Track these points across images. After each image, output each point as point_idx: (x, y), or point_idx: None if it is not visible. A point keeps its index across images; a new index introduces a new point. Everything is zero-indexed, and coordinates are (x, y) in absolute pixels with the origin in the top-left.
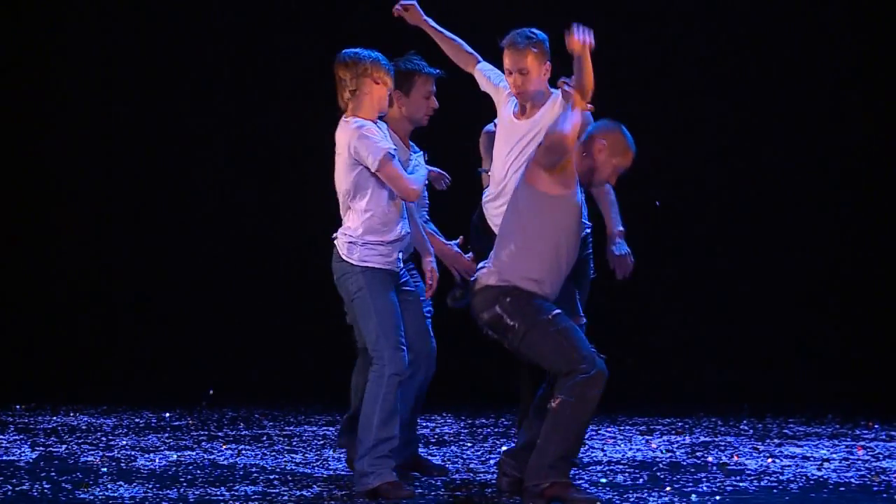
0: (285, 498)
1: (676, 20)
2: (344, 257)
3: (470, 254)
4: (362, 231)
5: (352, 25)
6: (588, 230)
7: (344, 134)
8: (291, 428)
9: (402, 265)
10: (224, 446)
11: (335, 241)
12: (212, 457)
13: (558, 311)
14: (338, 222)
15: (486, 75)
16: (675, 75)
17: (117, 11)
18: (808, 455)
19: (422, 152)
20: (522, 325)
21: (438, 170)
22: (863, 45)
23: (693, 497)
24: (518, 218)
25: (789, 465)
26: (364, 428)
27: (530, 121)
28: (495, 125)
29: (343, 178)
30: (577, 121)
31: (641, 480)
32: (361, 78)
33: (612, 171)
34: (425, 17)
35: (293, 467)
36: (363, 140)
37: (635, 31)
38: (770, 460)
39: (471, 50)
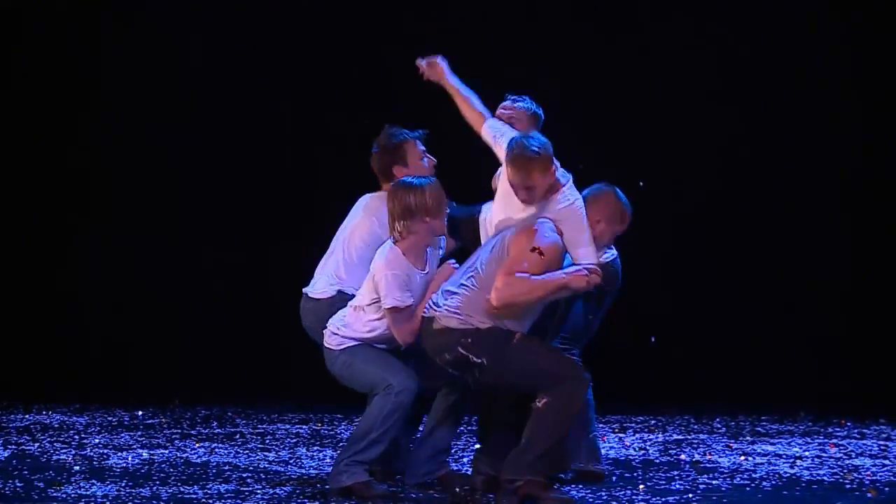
0: (258, 496)
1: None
2: (332, 347)
3: None
4: (358, 337)
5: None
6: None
7: (380, 257)
8: (264, 426)
9: None
10: (197, 444)
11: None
12: (185, 455)
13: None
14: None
15: (492, 135)
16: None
17: (128, 19)
18: (781, 453)
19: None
20: (491, 361)
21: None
22: (866, 50)
23: (668, 497)
24: (477, 260)
25: (762, 463)
26: (358, 435)
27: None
28: None
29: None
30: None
31: (615, 478)
32: (416, 222)
33: (611, 236)
34: (448, 75)
35: (266, 465)
36: (387, 281)
37: (637, 31)
38: (743, 458)
39: (482, 108)
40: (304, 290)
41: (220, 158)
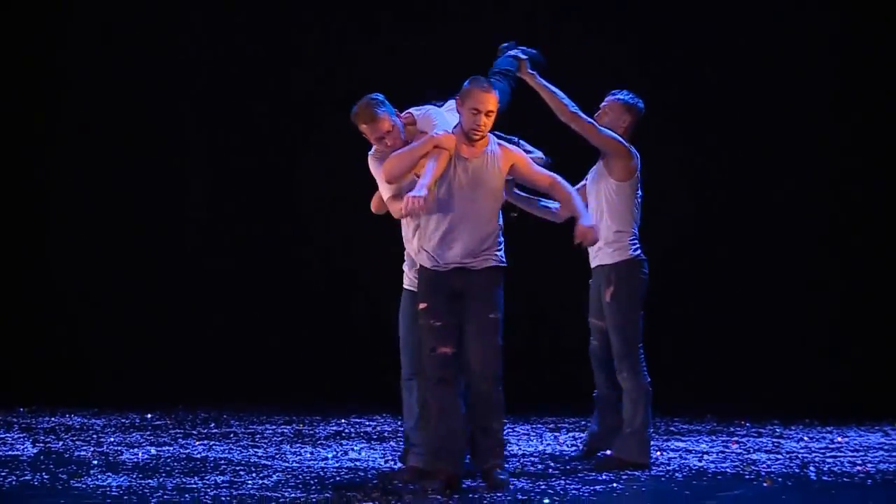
0: (249, 486)
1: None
2: None
3: None
4: None
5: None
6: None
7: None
8: (255, 426)
9: None
10: (197, 442)
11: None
12: (187, 451)
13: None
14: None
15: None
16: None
17: (118, 17)
18: (690, 448)
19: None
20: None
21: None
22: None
23: (595, 486)
24: None
25: (674, 457)
26: None
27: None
28: None
29: None
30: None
31: (550, 470)
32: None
33: (471, 117)
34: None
35: (256, 459)
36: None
37: (638, 33)
38: (658, 453)
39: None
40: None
41: (216, 158)
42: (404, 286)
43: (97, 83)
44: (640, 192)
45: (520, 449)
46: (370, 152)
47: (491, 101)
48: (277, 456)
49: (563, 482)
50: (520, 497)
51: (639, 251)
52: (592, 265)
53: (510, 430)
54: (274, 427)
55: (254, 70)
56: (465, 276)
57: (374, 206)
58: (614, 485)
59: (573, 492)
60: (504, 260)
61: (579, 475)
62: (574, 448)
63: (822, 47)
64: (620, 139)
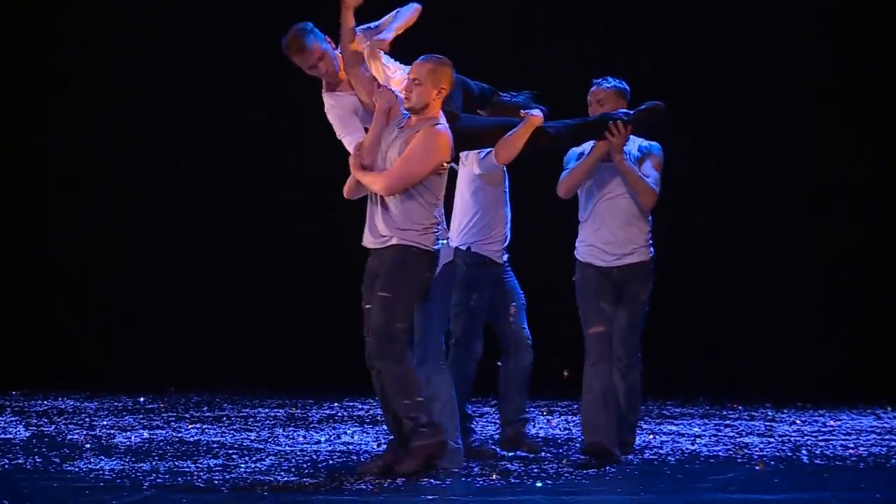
0: (242, 469)
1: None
2: None
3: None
4: None
5: None
6: None
7: None
8: (247, 410)
9: None
10: (190, 426)
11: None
12: (179, 434)
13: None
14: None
15: None
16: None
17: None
18: (683, 432)
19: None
20: None
21: None
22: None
23: (588, 469)
24: None
25: (667, 441)
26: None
27: None
28: None
29: None
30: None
31: (543, 453)
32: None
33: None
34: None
35: (248, 443)
36: None
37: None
38: (651, 436)
39: None
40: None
41: (212, 151)
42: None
43: (86, 76)
44: None
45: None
46: (322, 92)
47: (414, 69)
48: (270, 439)
49: (554, 466)
50: (513, 481)
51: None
52: (621, 263)
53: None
54: (266, 410)
55: (253, 71)
56: None
57: (346, 192)
58: (607, 468)
59: (566, 476)
60: None
61: (573, 458)
62: (567, 432)
63: (821, 46)
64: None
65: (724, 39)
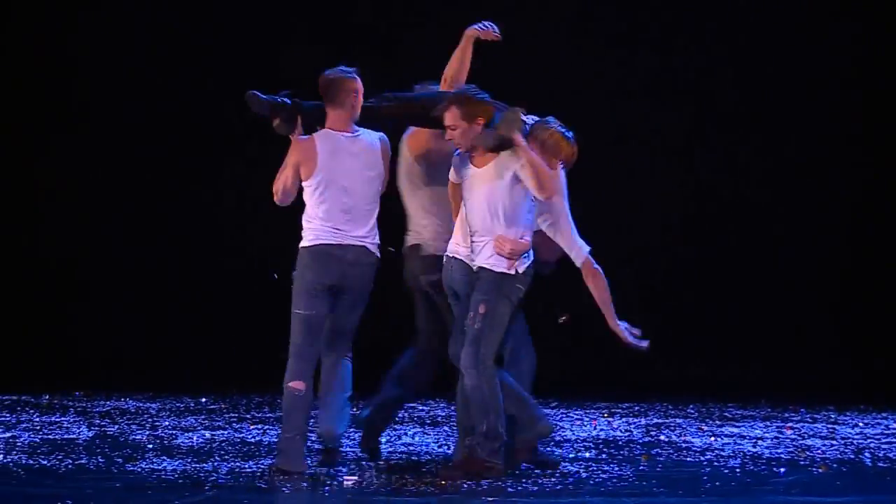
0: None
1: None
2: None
3: None
4: None
5: None
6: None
7: None
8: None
9: None
10: (252, 426)
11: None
12: (241, 435)
13: None
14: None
15: None
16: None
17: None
18: (745, 434)
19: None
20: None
21: None
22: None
23: (655, 469)
24: None
25: (728, 443)
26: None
27: None
28: None
29: None
30: None
31: (604, 455)
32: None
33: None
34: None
35: (310, 444)
36: None
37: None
38: (713, 438)
39: None
40: None
41: (210, 150)
42: None
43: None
44: None
45: (573, 434)
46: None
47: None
48: None
49: (615, 467)
50: (568, 483)
51: None
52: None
53: (563, 413)
54: None
55: (252, 69)
56: None
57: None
58: (672, 469)
59: (629, 479)
60: None
61: (634, 460)
62: (627, 433)
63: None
64: None
65: (724, 39)
